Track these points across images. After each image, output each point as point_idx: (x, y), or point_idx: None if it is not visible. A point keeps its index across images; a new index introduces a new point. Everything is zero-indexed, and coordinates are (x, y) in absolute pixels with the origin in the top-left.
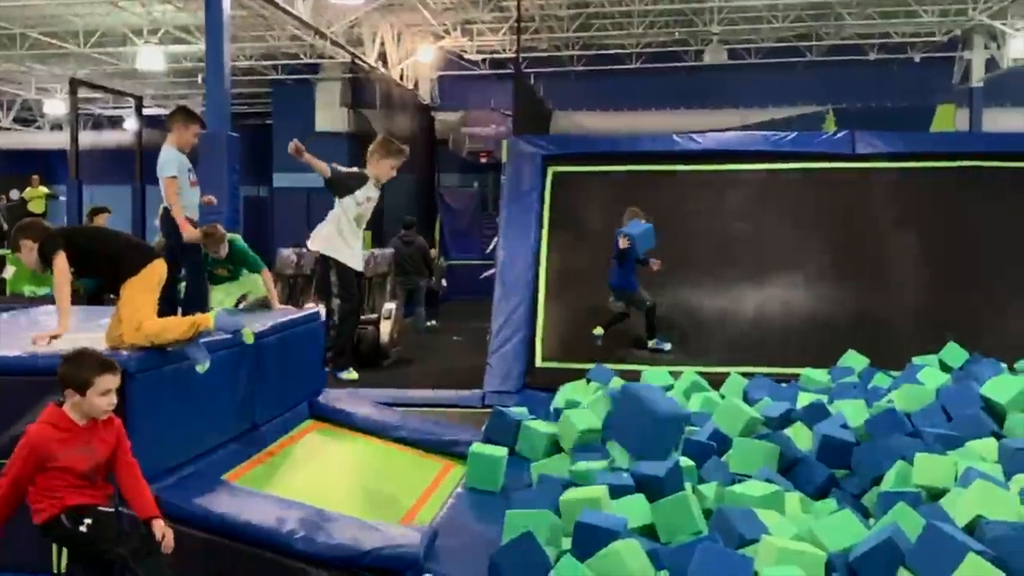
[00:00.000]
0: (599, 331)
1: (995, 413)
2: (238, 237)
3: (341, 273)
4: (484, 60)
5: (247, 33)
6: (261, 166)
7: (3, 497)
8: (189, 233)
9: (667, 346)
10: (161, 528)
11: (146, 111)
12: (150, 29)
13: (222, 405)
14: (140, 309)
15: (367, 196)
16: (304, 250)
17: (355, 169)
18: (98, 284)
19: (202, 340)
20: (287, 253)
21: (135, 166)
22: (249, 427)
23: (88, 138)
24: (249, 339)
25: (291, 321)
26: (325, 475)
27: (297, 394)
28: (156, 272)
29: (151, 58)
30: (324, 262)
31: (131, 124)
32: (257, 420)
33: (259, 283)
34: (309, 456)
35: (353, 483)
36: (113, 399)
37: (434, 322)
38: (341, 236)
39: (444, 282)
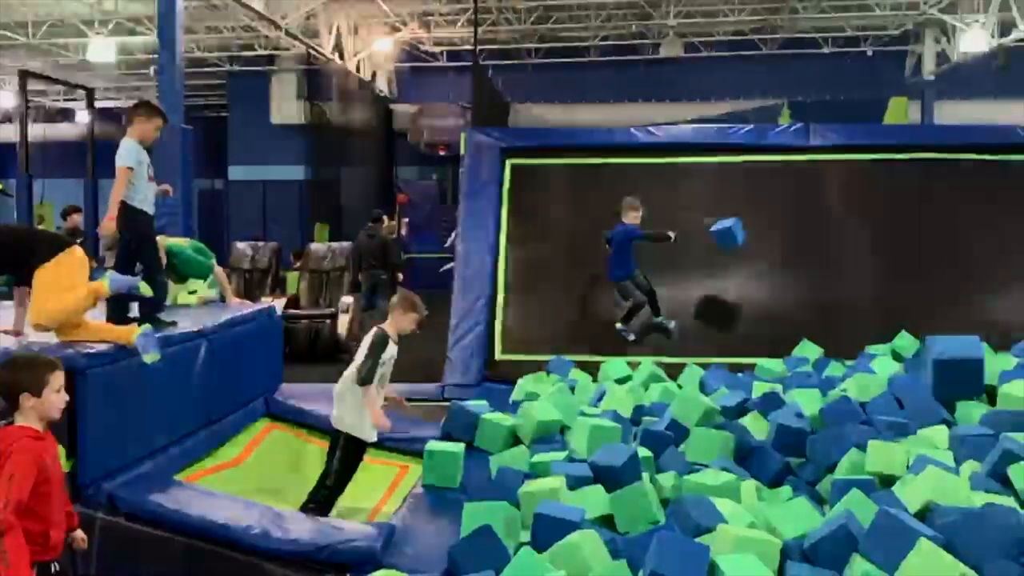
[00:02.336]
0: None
1: (946, 401)
2: (181, 247)
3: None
4: (442, 52)
5: (201, 24)
6: (216, 159)
7: (15, 538)
8: (107, 225)
9: (631, 336)
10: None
11: (98, 103)
12: (101, 20)
13: (176, 400)
14: (47, 293)
15: (391, 356)
16: (260, 244)
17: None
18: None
19: (156, 334)
20: (242, 247)
21: (87, 159)
22: (204, 423)
23: (39, 131)
24: (150, 360)
25: (246, 316)
26: (281, 472)
27: (253, 389)
28: (70, 259)
29: (102, 50)
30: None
31: (83, 117)
32: (213, 415)
33: (204, 286)
34: (264, 453)
35: (309, 481)
36: (65, 396)
37: None
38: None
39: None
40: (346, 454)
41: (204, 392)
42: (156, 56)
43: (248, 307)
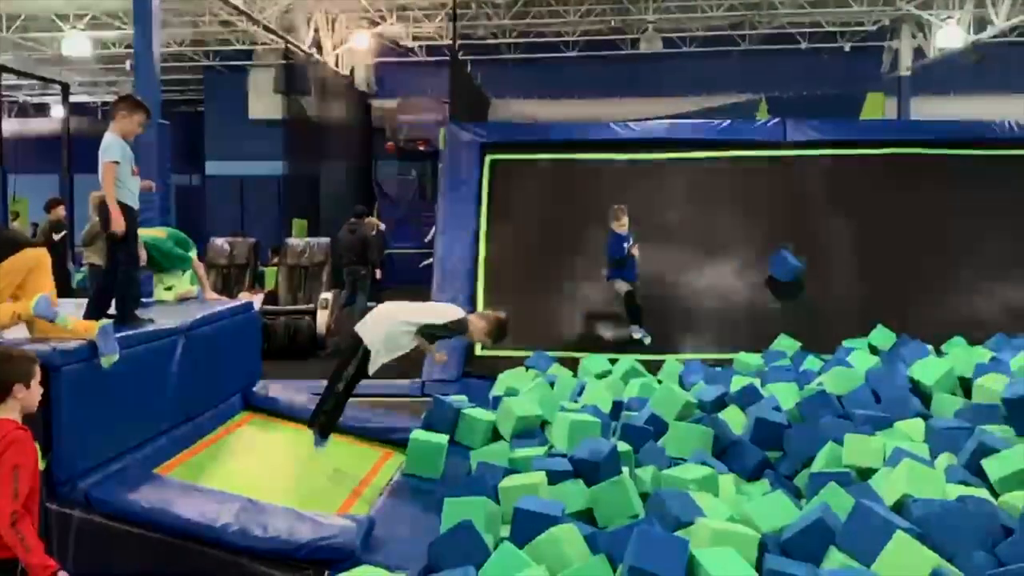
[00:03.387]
0: (638, 335)
1: (922, 394)
2: (158, 238)
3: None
4: (421, 47)
5: (177, 19)
6: (193, 154)
7: (29, 524)
8: (118, 222)
9: (648, 338)
10: None
11: (73, 98)
12: (76, 14)
13: (153, 398)
14: None
15: (449, 342)
16: (237, 239)
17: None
18: None
19: (116, 334)
20: (220, 243)
21: (62, 155)
22: (182, 419)
23: (13, 126)
24: (107, 363)
25: (223, 312)
26: (260, 466)
27: (231, 385)
28: (22, 261)
29: (77, 44)
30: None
31: (58, 112)
32: (190, 412)
33: (184, 280)
34: (244, 448)
35: (289, 474)
36: (40, 388)
37: None
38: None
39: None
40: (358, 371)
41: (181, 389)
42: (132, 50)
43: (225, 303)
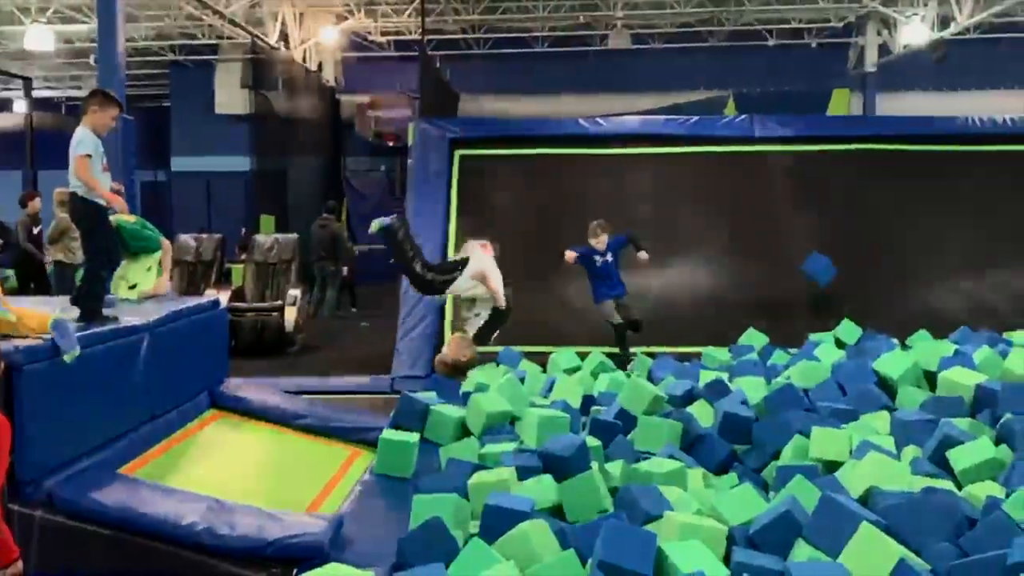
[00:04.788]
0: (633, 366)
1: (888, 387)
2: (128, 221)
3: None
4: (389, 42)
5: (142, 12)
6: (159, 150)
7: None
8: (120, 203)
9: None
10: None
11: (36, 93)
12: (39, 7)
13: (118, 396)
14: None
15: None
16: (204, 236)
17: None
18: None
19: (73, 330)
20: (186, 239)
21: (26, 150)
22: (147, 418)
23: None
24: (69, 359)
25: (189, 309)
26: (228, 465)
27: (197, 383)
28: None
29: (40, 38)
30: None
31: (20, 107)
32: (156, 411)
33: (150, 277)
34: (211, 446)
35: (257, 473)
36: None
37: (354, 309)
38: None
39: (345, 269)
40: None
41: (147, 388)
42: (96, 44)
43: (192, 301)
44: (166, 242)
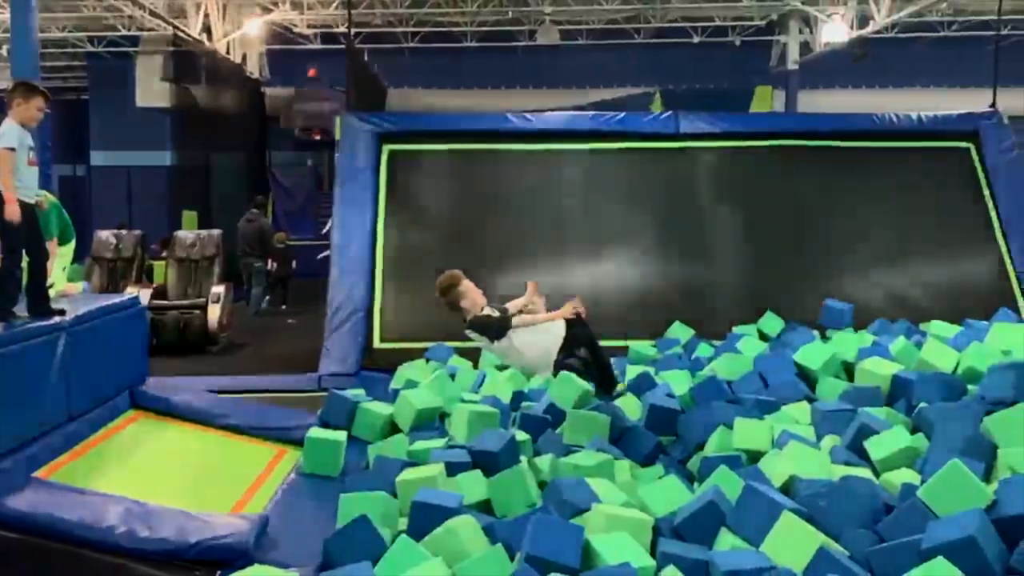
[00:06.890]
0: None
1: (808, 378)
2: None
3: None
4: (315, 35)
5: (58, 3)
6: (77, 144)
7: None
8: (11, 210)
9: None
10: None
11: None
12: None
13: (32, 397)
14: None
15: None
16: (124, 232)
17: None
18: None
19: None
20: (105, 235)
21: None
22: (64, 420)
23: None
24: None
25: (108, 307)
26: (148, 467)
27: (117, 383)
28: None
29: None
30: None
31: None
32: (73, 412)
33: (63, 277)
34: (131, 448)
35: (179, 474)
36: None
37: (284, 306)
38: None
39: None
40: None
41: (63, 388)
42: (8, 35)
43: (110, 299)
44: (53, 244)
